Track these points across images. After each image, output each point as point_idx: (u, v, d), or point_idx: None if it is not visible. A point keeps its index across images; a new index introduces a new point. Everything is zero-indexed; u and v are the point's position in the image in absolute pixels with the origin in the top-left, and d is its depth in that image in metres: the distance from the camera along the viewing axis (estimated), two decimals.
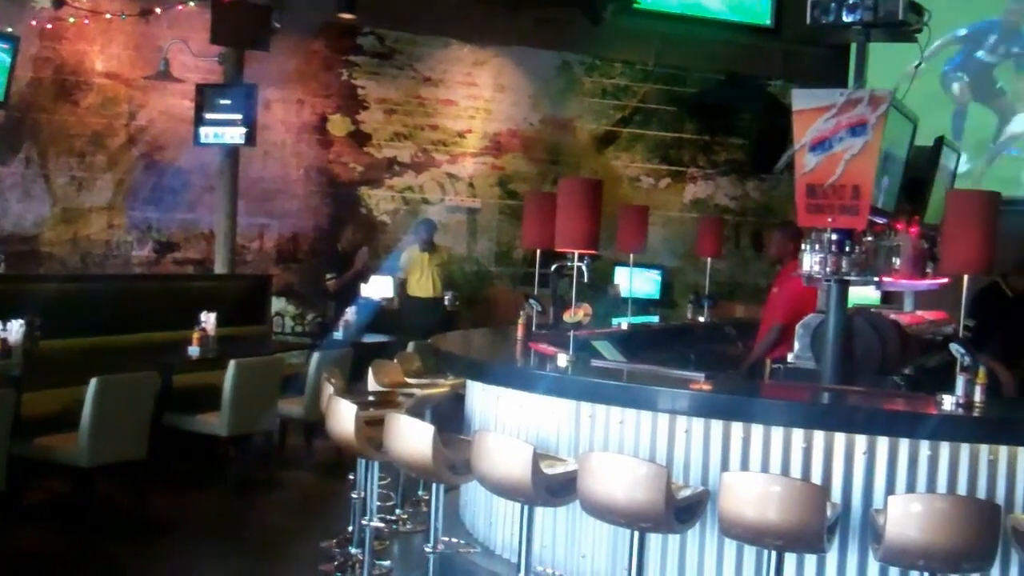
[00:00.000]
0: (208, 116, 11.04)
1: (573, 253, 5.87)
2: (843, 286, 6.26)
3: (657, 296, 12.34)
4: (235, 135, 10.99)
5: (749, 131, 14.01)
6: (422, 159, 12.90)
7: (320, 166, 12.55)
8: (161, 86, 11.49)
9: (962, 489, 4.74)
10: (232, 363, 7.75)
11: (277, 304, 11.71)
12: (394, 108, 12.79)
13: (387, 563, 6.25)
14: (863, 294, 8.29)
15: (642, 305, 10.95)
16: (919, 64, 6.66)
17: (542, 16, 12.80)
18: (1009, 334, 6.59)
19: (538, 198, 7.05)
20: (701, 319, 9.13)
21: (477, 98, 13.13)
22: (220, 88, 11.21)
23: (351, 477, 6.33)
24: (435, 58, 12.96)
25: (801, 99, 6.09)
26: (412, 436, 5.02)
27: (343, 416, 5.49)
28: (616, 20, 13.08)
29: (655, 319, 10.12)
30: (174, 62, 11.06)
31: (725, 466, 4.91)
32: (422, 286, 11.45)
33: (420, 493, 7.13)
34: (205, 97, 11.09)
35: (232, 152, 11.26)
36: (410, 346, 8.39)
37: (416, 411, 6.19)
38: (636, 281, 10.89)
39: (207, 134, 11.06)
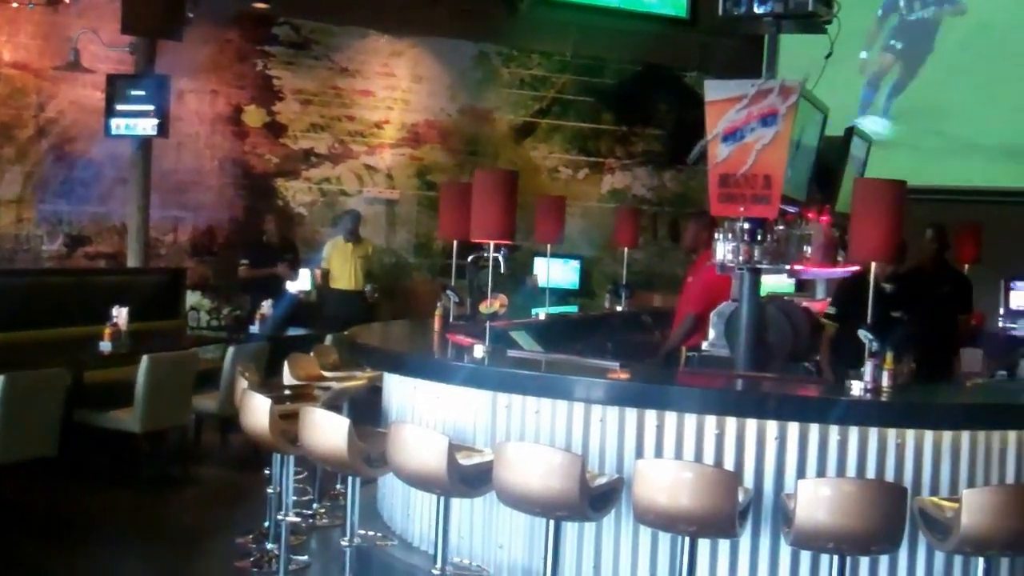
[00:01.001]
0: (119, 107, 10.82)
1: (489, 244, 5.87)
2: (755, 274, 6.34)
3: (576, 286, 12.40)
4: (147, 126, 10.80)
5: (666, 122, 14.11)
6: (339, 150, 12.80)
7: (235, 158, 12.38)
8: (71, 77, 11.24)
9: (871, 473, 4.84)
10: (145, 358, 7.63)
11: (192, 298, 11.54)
12: (310, 99, 12.66)
13: (304, 558, 6.21)
14: (778, 282, 8.41)
15: (561, 295, 11.03)
16: (829, 55, 6.76)
17: (459, 6, 12.76)
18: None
19: (455, 189, 7.04)
20: (619, 309, 9.21)
21: (395, 89, 13.05)
22: (132, 79, 10.99)
23: (267, 472, 6.28)
24: (352, 48, 12.86)
25: (713, 90, 6.15)
26: (327, 429, 5.00)
27: (257, 410, 5.44)
28: (533, 11, 13.09)
29: (574, 309, 10.18)
30: (84, 52, 10.82)
31: (640, 453, 4.95)
32: (345, 278, 11.36)
33: (338, 487, 7.09)
34: (116, 88, 10.86)
35: (144, 144, 11.05)
36: (328, 339, 8.33)
37: (332, 404, 6.15)
38: (555, 271, 10.98)
39: (118, 125, 10.85)
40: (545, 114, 13.87)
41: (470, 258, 7.01)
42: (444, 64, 13.27)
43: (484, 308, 5.65)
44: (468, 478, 4.72)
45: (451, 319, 6.74)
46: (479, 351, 5.48)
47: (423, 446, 4.67)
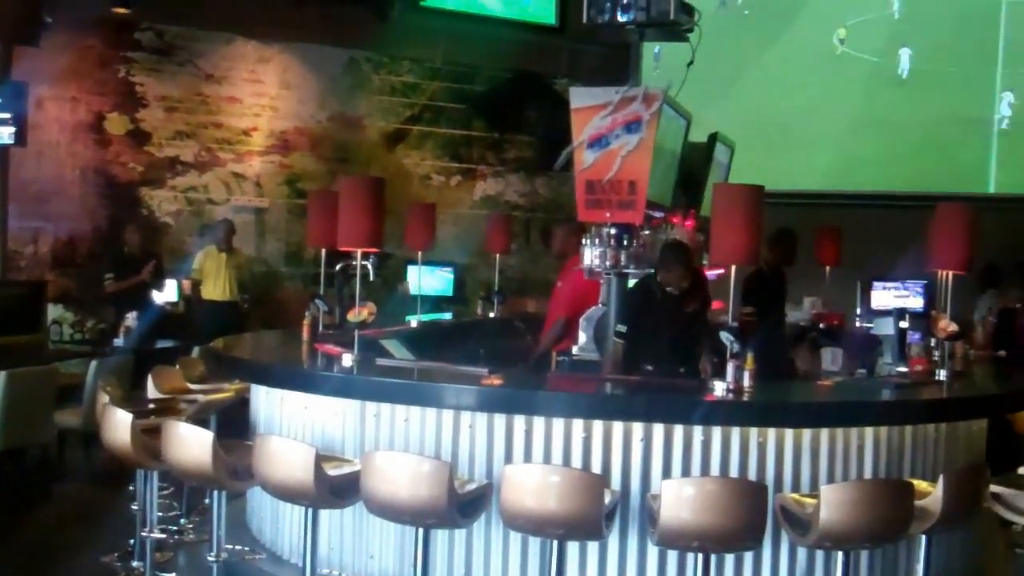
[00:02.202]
0: None
1: (357, 252, 5.83)
2: (623, 279, 6.43)
3: (450, 293, 12.38)
4: (4, 135, 10.47)
5: (537, 128, 14.20)
6: (206, 158, 12.55)
7: (97, 166, 12.03)
8: None
9: (734, 471, 4.94)
10: (3, 374, 7.38)
11: (54, 311, 11.17)
12: (175, 106, 12.38)
13: (171, 575, 6.07)
14: None
15: (435, 302, 10.99)
16: (691, 63, 6.90)
17: (328, 12, 12.63)
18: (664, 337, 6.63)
19: (322, 197, 6.99)
20: (492, 315, 9.26)
21: (262, 95, 12.85)
22: None
23: (132, 488, 6.13)
24: (218, 54, 12.62)
25: (578, 97, 6.24)
26: (190, 443, 4.90)
27: (118, 425, 5.30)
28: (403, 18, 13.04)
29: (448, 316, 10.17)
30: None
31: (509, 459, 4.97)
32: (219, 288, 11.14)
33: (206, 501, 6.94)
34: None
35: (1, 153, 10.71)
36: (194, 351, 8.16)
37: (199, 418, 6.04)
38: (429, 279, 10.94)
39: None
40: (417, 121, 13.84)
41: (339, 266, 6.96)
42: (313, 70, 13.13)
43: (352, 317, 5.61)
44: (336, 488, 4.68)
45: (320, 328, 6.68)
46: (347, 360, 5.45)
47: (290, 458, 4.61)
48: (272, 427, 5.84)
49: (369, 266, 5.97)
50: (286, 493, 4.76)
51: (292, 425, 5.68)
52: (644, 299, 6.41)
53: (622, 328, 6.36)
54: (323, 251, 6.94)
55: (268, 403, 5.96)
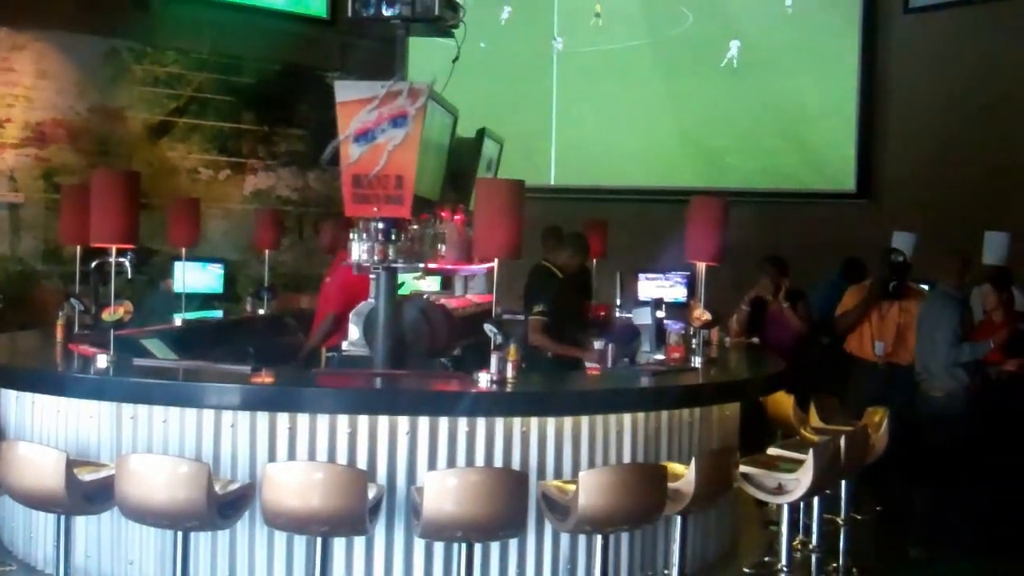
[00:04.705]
0: None
1: (112, 248, 5.62)
2: (391, 274, 6.44)
3: (220, 290, 12.07)
4: None
5: (309, 122, 14.00)
6: None
7: None
8: None
9: (499, 461, 5.03)
10: None
11: None
12: None
13: None
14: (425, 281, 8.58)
15: (205, 300, 10.71)
16: (456, 59, 6.95)
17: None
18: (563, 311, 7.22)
19: (75, 191, 6.75)
20: (261, 312, 9.09)
21: (16, 85, 12.16)
22: None
23: None
24: None
25: (344, 91, 6.21)
26: None
27: None
28: (166, 7, 12.64)
29: (218, 314, 9.93)
30: None
31: (273, 458, 4.91)
32: None
33: None
34: None
35: None
36: None
37: None
38: (197, 275, 10.65)
39: None
40: (183, 113, 13.40)
41: (93, 264, 6.69)
42: (71, 60, 12.51)
43: (107, 316, 5.41)
44: (90, 494, 4.52)
45: (77, 329, 6.41)
46: (102, 361, 5.25)
47: (39, 464, 4.42)
48: (23, 433, 5.57)
49: (126, 263, 5.76)
50: (36, 501, 4.56)
51: (45, 430, 5.43)
52: (550, 280, 7.28)
53: (541, 307, 7.12)
54: (78, 248, 6.66)
55: (19, 408, 5.69)
